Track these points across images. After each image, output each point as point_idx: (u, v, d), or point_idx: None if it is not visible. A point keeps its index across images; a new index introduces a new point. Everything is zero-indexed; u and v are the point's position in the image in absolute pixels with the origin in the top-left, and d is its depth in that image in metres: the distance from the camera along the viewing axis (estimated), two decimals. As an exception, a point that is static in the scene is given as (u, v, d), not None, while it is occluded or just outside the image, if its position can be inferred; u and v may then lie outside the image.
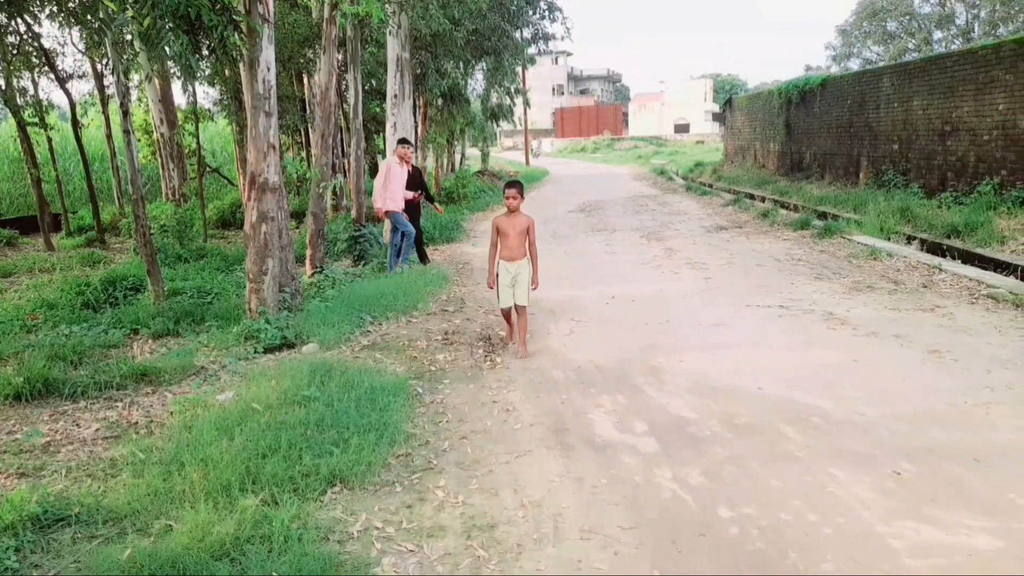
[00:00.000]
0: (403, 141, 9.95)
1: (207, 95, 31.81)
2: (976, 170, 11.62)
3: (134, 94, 19.19)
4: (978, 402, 4.59)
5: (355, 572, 2.99)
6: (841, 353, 5.70)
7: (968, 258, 9.02)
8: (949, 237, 9.91)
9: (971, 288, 7.58)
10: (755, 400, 4.80)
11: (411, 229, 9.67)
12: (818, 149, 18.02)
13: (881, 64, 25.79)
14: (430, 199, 10.91)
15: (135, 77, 17.06)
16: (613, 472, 3.86)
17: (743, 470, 3.81)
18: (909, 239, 10.36)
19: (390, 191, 9.48)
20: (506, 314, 6.20)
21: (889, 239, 10.52)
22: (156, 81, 17.08)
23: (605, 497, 3.60)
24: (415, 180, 10.14)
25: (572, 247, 11.83)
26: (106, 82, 16.33)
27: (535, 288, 6.11)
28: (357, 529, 3.35)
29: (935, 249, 9.72)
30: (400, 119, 13.25)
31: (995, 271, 8.32)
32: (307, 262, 9.86)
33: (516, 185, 6.31)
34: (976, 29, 44.52)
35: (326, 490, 3.68)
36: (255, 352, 6.27)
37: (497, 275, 6.07)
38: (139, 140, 20.08)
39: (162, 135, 17.87)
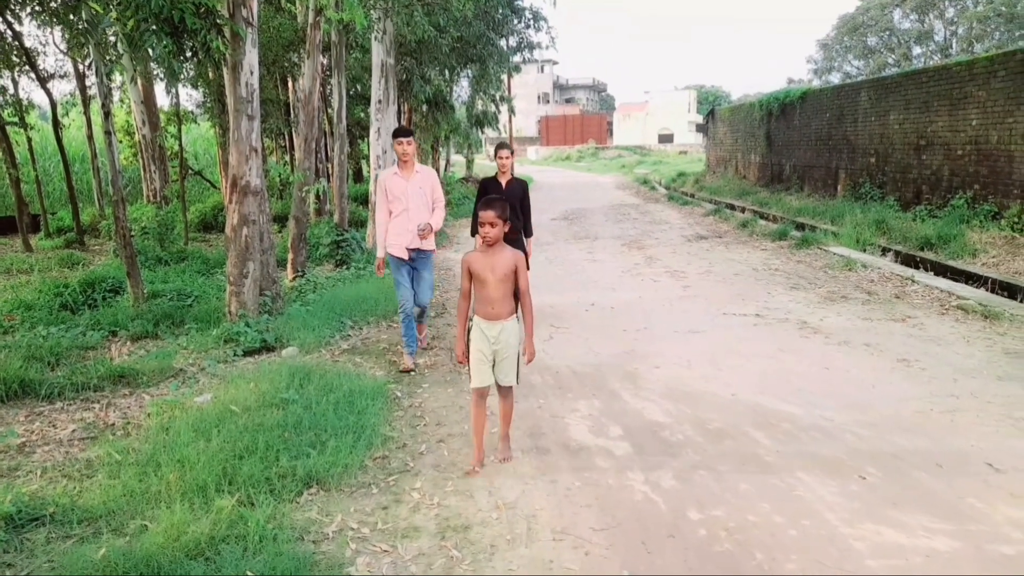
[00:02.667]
0: (501, 146, 6.34)
1: (190, 97, 31.65)
2: (950, 184, 11.87)
3: (116, 95, 19.07)
4: (944, 410, 4.71)
5: (329, 572, 3.03)
6: (813, 361, 5.82)
7: (941, 270, 9.21)
8: (923, 249, 10.11)
9: (942, 299, 7.75)
10: (727, 406, 4.89)
11: (421, 299, 6.13)
12: (798, 161, 18.27)
13: (860, 78, 26.21)
14: (526, 231, 6.58)
15: (117, 78, 16.97)
16: (587, 475, 3.93)
17: (713, 473, 3.89)
18: (884, 251, 10.56)
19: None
20: (478, 396, 4.03)
21: (865, 250, 10.71)
22: (139, 82, 16.97)
23: (578, 499, 3.66)
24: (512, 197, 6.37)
25: (554, 254, 11.92)
26: (88, 82, 16.22)
27: (529, 362, 4.08)
28: (332, 530, 3.38)
29: (909, 261, 9.91)
30: (384, 124, 13.30)
31: (966, 283, 8.50)
32: (289, 266, 9.86)
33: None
34: (954, 46, 45.39)
35: (302, 491, 3.71)
36: (234, 355, 6.27)
37: (469, 341, 4.05)
38: (121, 141, 19.95)
39: (144, 137, 17.74)
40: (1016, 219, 9.99)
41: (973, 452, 4.07)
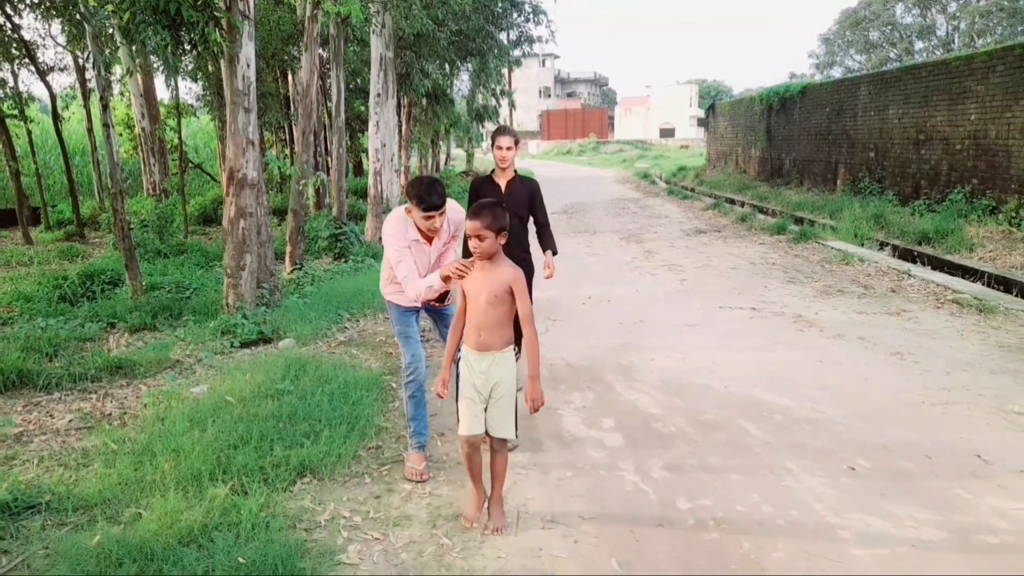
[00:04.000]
0: (501, 132, 4.77)
1: (190, 90, 31.66)
2: (948, 179, 11.87)
3: (116, 88, 19.07)
4: (935, 402, 4.74)
5: (321, 559, 3.06)
6: (807, 354, 5.84)
7: (937, 264, 9.22)
8: (920, 244, 10.12)
9: (938, 293, 7.76)
10: (721, 398, 4.92)
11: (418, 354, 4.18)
12: (797, 155, 18.26)
13: (860, 73, 26.19)
14: (544, 245, 4.90)
15: (117, 71, 16.98)
16: (578, 466, 3.96)
17: (704, 464, 3.92)
18: (882, 245, 10.57)
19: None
20: (469, 447, 3.32)
21: (863, 245, 10.72)
22: (138, 75, 16.99)
23: (569, 489, 3.69)
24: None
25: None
26: (87, 75, 16.22)
27: (533, 410, 3.18)
28: (324, 518, 3.42)
29: (906, 255, 9.92)
30: (383, 118, 13.31)
31: (963, 277, 8.52)
32: (287, 259, 9.89)
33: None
34: (956, 40, 45.24)
35: (295, 480, 3.74)
36: (231, 347, 6.30)
37: (457, 375, 3.41)
38: (120, 135, 19.95)
39: (144, 130, 17.75)
40: (1014, 213, 10.00)
41: (963, 444, 4.09)
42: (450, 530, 3.31)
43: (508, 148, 4.62)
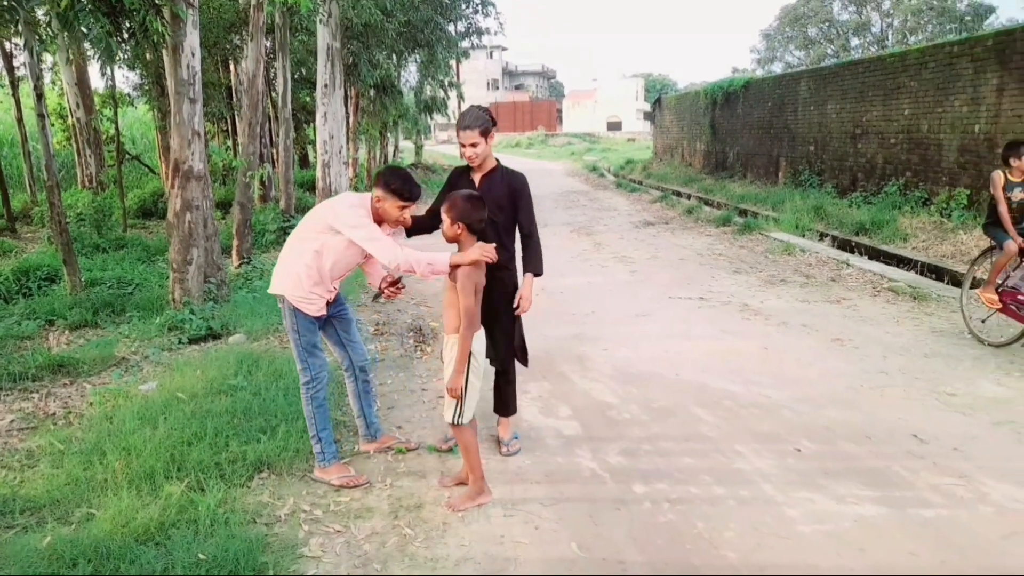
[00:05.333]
0: (465, 122, 3.82)
1: (127, 79, 30.49)
2: (884, 171, 12.35)
3: (47, 76, 18.29)
4: (874, 385, 4.96)
5: (282, 553, 3.05)
6: (753, 341, 6.04)
7: (874, 254, 9.61)
8: (858, 234, 10.52)
9: (875, 282, 8.10)
10: (672, 385, 5.06)
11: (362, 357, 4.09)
12: (741, 149, 18.72)
13: (800, 68, 27.00)
14: (528, 263, 4.05)
15: (48, 59, 16.28)
16: (537, 454, 4.02)
17: (658, 449, 4.03)
18: (822, 236, 10.95)
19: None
20: (470, 430, 3.43)
21: (804, 236, 11.08)
22: (71, 64, 16.32)
23: (528, 477, 3.75)
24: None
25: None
26: (16, 63, 15.51)
27: (452, 397, 3.33)
28: (285, 512, 3.40)
29: (845, 245, 10.31)
30: (331, 109, 13.13)
31: (898, 266, 8.91)
32: (234, 253, 9.70)
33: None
34: (890, 37, 46.95)
35: (253, 476, 3.71)
36: (179, 343, 6.17)
37: (469, 363, 3.34)
38: (53, 125, 19.14)
39: (78, 120, 17.07)
40: (944, 205, 10.48)
41: (900, 424, 4.30)
42: (412, 520, 3.33)
43: (473, 145, 3.71)
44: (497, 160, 3.94)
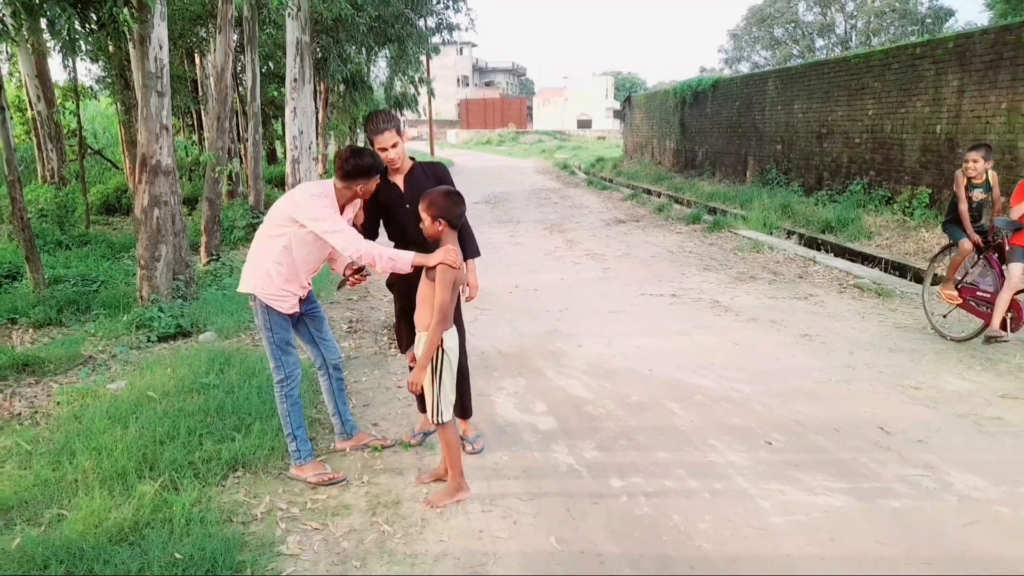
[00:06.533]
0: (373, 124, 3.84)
1: (89, 72, 29.81)
2: (849, 170, 12.61)
3: (5, 67, 17.78)
4: (841, 379, 5.08)
5: (260, 551, 3.03)
6: (724, 337, 6.13)
7: (840, 252, 9.82)
8: (824, 232, 10.73)
9: (840, 279, 8.27)
10: (646, 380, 5.12)
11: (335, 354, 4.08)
12: (710, 148, 18.95)
13: (767, 68, 27.43)
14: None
15: (4, 49, 15.82)
16: (513, 449, 4.05)
17: (633, 444, 4.08)
18: (789, 234, 11.15)
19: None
20: (452, 428, 3.47)
21: (771, 233, 11.26)
22: (31, 55, 15.89)
23: (506, 472, 3.77)
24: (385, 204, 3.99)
25: (477, 238, 11.94)
26: (-27, 53, 15.08)
27: (411, 390, 3.41)
28: (261, 511, 3.37)
29: (811, 243, 10.51)
30: (300, 104, 12.97)
31: (863, 263, 9.11)
32: (202, 249, 9.56)
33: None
34: (854, 39, 47.87)
35: (228, 474, 3.67)
36: (148, 341, 6.07)
37: (442, 360, 3.35)
38: (12, 118, 18.61)
39: (39, 113, 16.64)
40: (907, 203, 10.74)
41: (867, 417, 4.41)
42: (390, 517, 3.33)
43: (393, 146, 3.70)
44: (412, 158, 3.96)
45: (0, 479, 3.62)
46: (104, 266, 9.31)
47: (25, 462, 3.76)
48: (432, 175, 3.89)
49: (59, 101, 17.08)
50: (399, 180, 3.86)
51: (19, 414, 4.59)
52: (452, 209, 3.31)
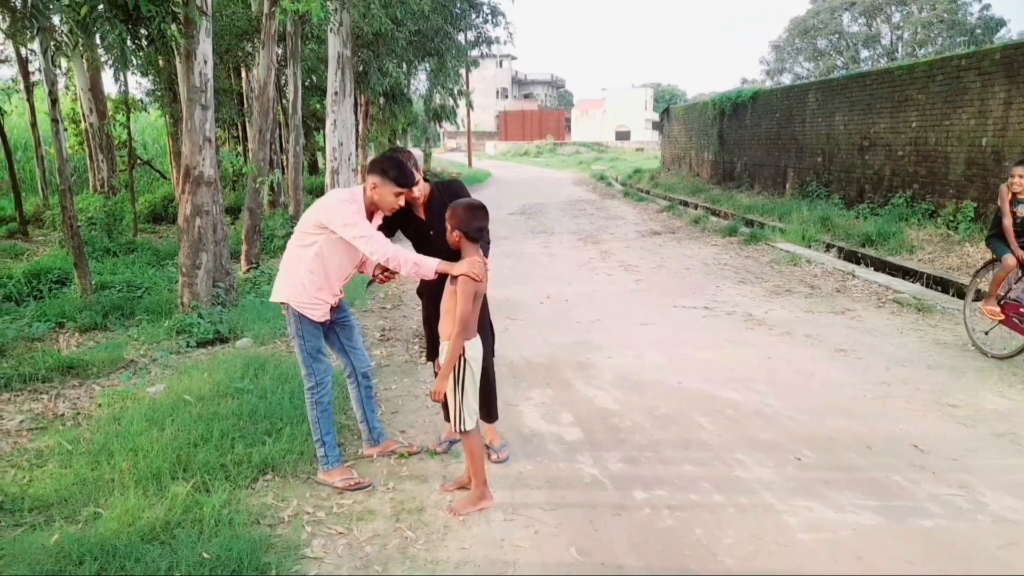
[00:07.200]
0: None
1: (139, 85, 30.76)
2: (891, 183, 12.35)
3: (61, 81, 18.50)
4: (875, 396, 4.97)
5: (285, 553, 3.09)
6: (757, 351, 6.06)
7: (880, 266, 9.61)
8: (864, 246, 10.52)
9: (879, 293, 8.10)
10: (675, 393, 5.08)
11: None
12: (748, 160, 18.74)
13: (809, 80, 27.07)
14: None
15: (63, 64, 16.47)
16: (538, 459, 4.06)
17: (659, 456, 4.06)
18: (828, 247, 10.96)
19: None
20: (476, 436, 3.52)
21: (810, 247, 11.09)
22: (86, 69, 16.53)
23: (529, 482, 3.78)
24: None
25: (511, 248, 12.03)
26: (31, 68, 15.72)
27: (434, 400, 3.41)
28: (288, 514, 3.44)
29: (851, 257, 10.31)
30: (341, 116, 13.24)
31: (903, 278, 8.91)
32: (242, 258, 9.78)
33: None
34: (900, 50, 46.93)
35: (258, 477, 3.76)
36: (187, 346, 6.23)
37: (464, 369, 3.38)
38: (66, 130, 19.34)
39: (91, 125, 17.27)
40: (951, 217, 10.47)
41: (901, 435, 4.32)
42: (414, 523, 3.37)
43: (415, 184, 3.75)
44: (426, 179, 4.03)
45: (42, 477, 3.76)
46: (149, 273, 9.60)
47: (66, 461, 3.89)
48: (449, 195, 3.87)
49: (111, 113, 17.71)
50: (420, 211, 3.97)
51: (63, 415, 4.77)
52: (471, 222, 3.35)
